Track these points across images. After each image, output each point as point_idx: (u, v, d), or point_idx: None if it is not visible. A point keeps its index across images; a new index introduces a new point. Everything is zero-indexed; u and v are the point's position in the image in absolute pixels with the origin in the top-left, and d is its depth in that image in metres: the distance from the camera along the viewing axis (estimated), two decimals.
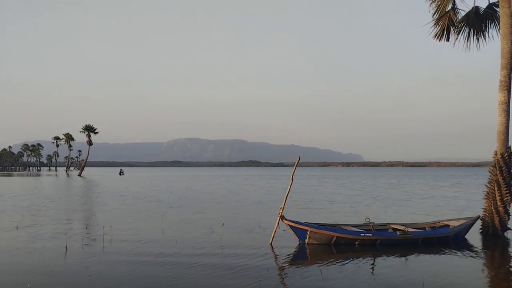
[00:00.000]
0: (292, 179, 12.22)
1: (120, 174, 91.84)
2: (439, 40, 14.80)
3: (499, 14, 13.37)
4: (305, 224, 11.69)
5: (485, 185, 13.61)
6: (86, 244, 11.67)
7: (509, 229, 13.16)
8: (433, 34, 14.88)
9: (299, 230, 11.62)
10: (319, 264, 9.49)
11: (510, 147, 13.13)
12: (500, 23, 13.24)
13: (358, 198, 27.96)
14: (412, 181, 58.31)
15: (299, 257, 10.38)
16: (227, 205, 22.81)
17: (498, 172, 12.94)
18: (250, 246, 11.40)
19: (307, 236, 11.53)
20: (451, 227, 12.60)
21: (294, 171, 12.27)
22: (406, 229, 11.91)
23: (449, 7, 14.57)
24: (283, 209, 11.63)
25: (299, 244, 11.58)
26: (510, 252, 11.33)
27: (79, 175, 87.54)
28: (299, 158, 12.50)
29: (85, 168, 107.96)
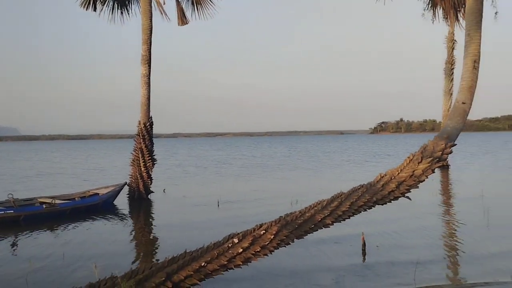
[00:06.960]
0: None
1: None
2: (86, 9, 14.65)
3: None
4: None
5: (131, 153, 14.54)
6: None
7: (152, 192, 14.56)
8: (79, 2, 14.63)
9: None
10: None
11: (151, 117, 14.38)
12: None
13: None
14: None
15: None
16: None
17: (141, 140, 14.04)
18: None
19: None
20: (100, 195, 12.97)
21: None
22: (53, 202, 11.59)
23: None
24: None
25: None
26: (152, 212, 12.80)
27: None
28: None
29: None
